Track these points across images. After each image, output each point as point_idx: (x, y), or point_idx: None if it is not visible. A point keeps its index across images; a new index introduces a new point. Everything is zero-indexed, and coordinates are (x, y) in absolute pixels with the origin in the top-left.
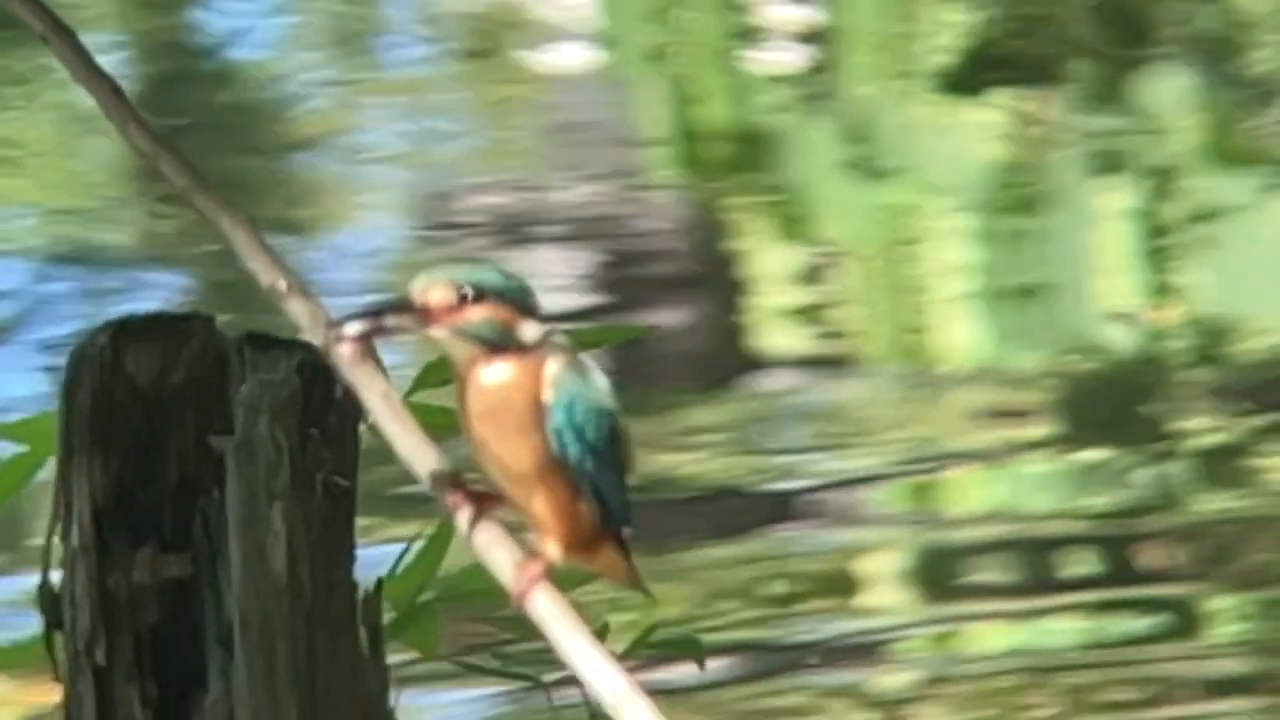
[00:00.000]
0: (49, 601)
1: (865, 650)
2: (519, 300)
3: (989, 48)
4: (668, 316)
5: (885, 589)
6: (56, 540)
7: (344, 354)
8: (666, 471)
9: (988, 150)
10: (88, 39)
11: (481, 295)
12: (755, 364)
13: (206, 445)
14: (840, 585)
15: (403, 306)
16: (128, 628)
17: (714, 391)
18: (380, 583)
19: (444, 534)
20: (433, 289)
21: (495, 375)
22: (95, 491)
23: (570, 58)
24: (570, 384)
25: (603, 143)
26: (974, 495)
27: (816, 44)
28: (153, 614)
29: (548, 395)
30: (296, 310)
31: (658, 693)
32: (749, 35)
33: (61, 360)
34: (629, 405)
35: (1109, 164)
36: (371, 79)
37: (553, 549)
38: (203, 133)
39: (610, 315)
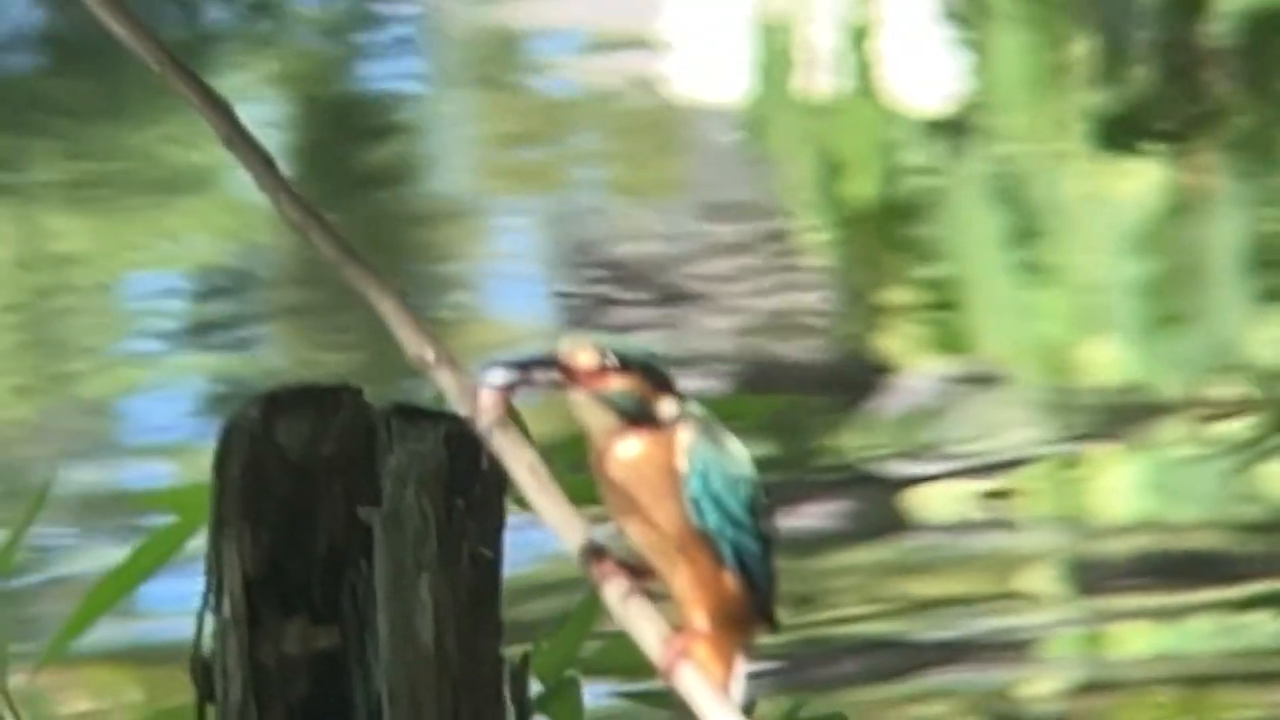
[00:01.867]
0: (201, 672)
1: (1011, 649)
2: (659, 376)
3: (1142, 105)
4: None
5: (1031, 589)
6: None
7: (485, 402)
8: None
9: (1140, 210)
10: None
11: (625, 365)
12: (891, 376)
13: (355, 516)
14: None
15: (549, 363)
16: (278, 700)
17: (852, 406)
18: (527, 655)
19: (590, 607)
20: (579, 351)
21: (629, 448)
22: (246, 562)
23: (718, 91)
24: (704, 451)
25: (745, 183)
26: (1119, 505)
27: (964, 102)
28: (303, 686)
29: (682, 464)
30: (443, 380)
31: (794, 689)
32: (898, 89)
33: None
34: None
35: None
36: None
37: (699, 621)
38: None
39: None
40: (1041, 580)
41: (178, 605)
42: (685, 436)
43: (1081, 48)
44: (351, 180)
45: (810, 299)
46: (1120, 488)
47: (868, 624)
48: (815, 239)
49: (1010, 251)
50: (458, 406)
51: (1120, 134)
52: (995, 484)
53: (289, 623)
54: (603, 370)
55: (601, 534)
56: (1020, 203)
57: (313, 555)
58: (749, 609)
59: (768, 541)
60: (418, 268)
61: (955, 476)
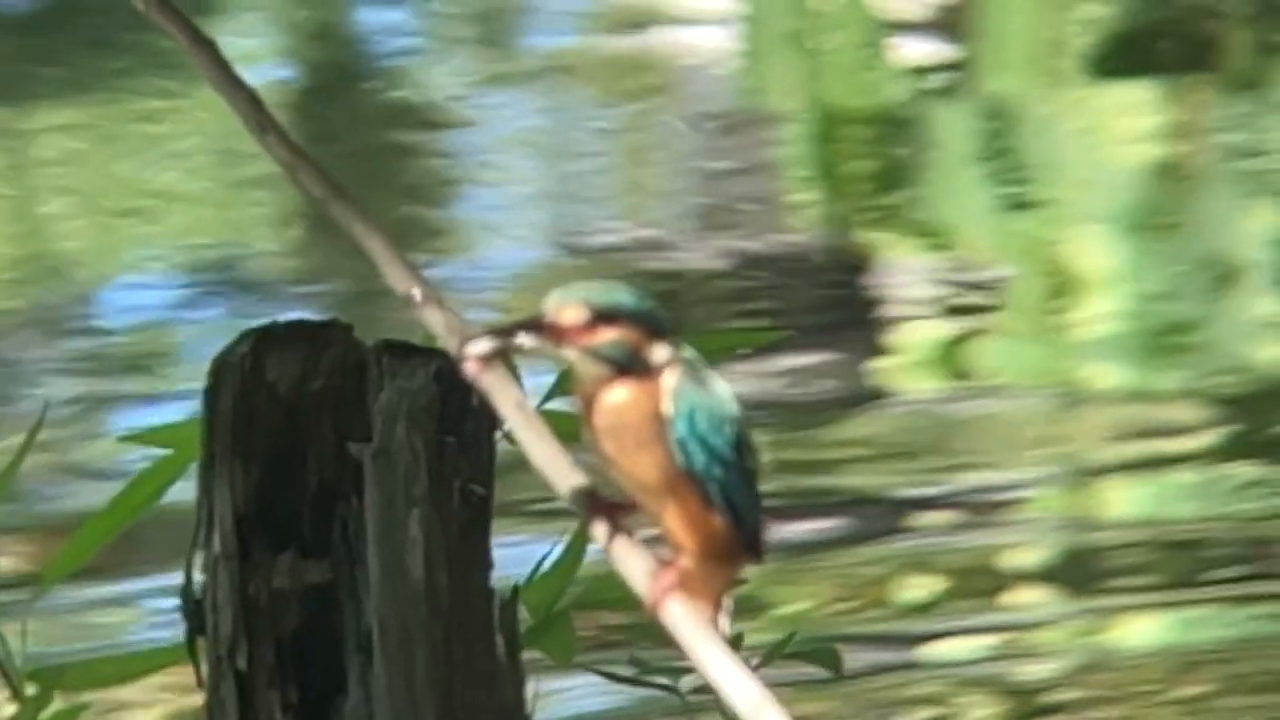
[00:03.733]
0: (191, 607)
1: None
2: (649, 322)
3: (1136, 35)
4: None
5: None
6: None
7: (470, 371)
8: (807, 483)
9: (1133, 151)
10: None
11: (614, 317)
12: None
13: (345, 452)
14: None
15: (534, 325)
16: (269, 633)
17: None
18: (516, 590)
19: (579, 542)
20: (565, 308)
21: (616, 396)
22: (236, 498)
23: (708, 42)
24: (689, 394)
25: (738, 133)
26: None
27: (956, 34)
28: (293, 620)
29: (667, 407)
30: (431, 319)
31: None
32: (888, 25)
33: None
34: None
35: (1259, 153)
36: (507, 70)
37: (687, 560)
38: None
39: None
40: (1023, 445)
41: None
42: (670, 380)
43: None
44: (344, 123)
45: (796, 194)
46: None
47: (849, 478)
48: (801, 141)
49: (995, 162)
50: (446, 344)
51: (1117, 58)
52: (975, 324)
53: (279, 557)
54: (593, 324)
55: (587, 471)
56: (1009, 120)
57: (303, 491)
58: (735, 544)
59: (752, 475)
60: (411, 209)
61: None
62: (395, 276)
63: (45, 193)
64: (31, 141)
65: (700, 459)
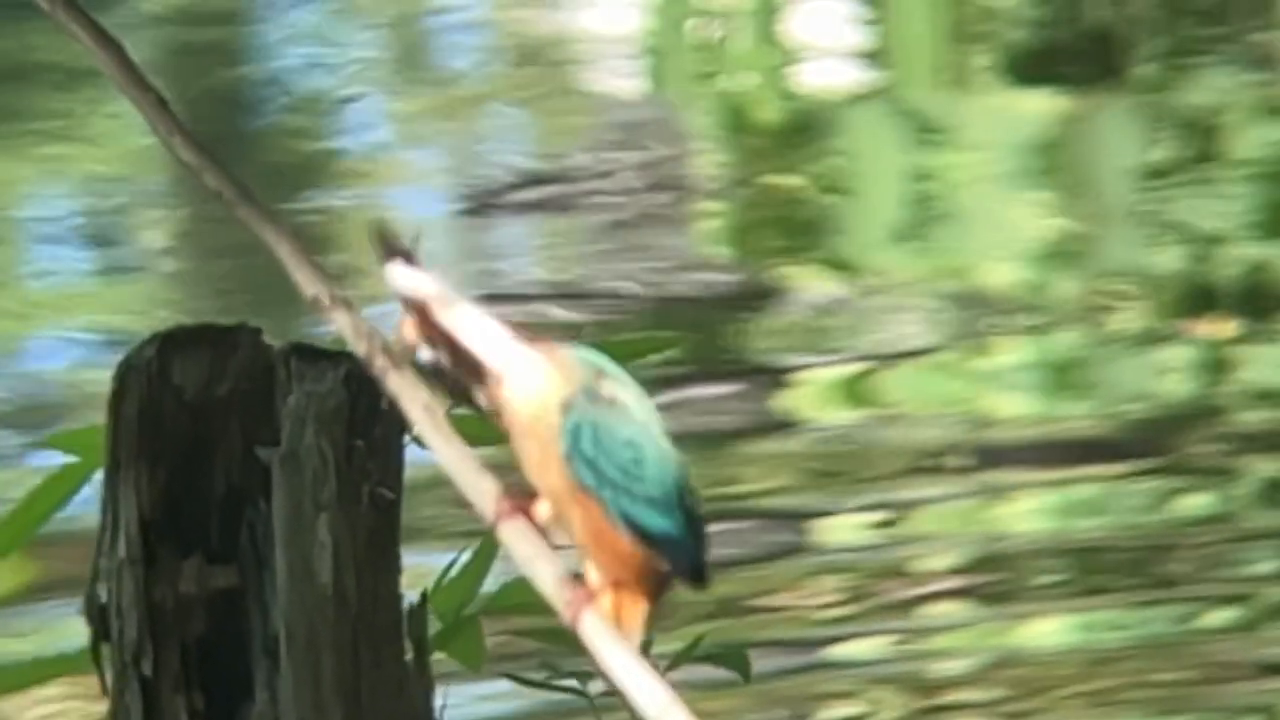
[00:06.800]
0: (96, 612)
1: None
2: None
3: (1046, 44)
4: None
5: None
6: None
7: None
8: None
9: (1036, 133)
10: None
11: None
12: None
13: (253, 456)
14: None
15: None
16: (174, 639)
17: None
18: (425, 595)
19: (489, 547)
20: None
21: (522, 400)
22: (142, 503)
23: (620, 79)
24: (579, 408)
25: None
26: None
27: (867, 60)
28: (199, 625)
29: (553, 420)
30: (339, 322)
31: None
32: (798, 55)
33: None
34: None
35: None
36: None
37: (595, 571)
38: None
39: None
40: (932, 463)
41: None
42: (564, 392)
43: None
44: (247, 126)
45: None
46: (1010, 379)
47: (762, 499)
48: (713, 168)
49: (907, 179)
50: (355, 348)
51: (1024, 69)
52: (886, 371)
53: (186, 562)
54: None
55: (497, 475)
56: (918, 122)
57: (210, 495)
58: (649, 565)
59: (689, 510)
60: (316, 209)
61: (847, 363)
62: (304, 279)
63: None
64: None
65: (588, 477)
